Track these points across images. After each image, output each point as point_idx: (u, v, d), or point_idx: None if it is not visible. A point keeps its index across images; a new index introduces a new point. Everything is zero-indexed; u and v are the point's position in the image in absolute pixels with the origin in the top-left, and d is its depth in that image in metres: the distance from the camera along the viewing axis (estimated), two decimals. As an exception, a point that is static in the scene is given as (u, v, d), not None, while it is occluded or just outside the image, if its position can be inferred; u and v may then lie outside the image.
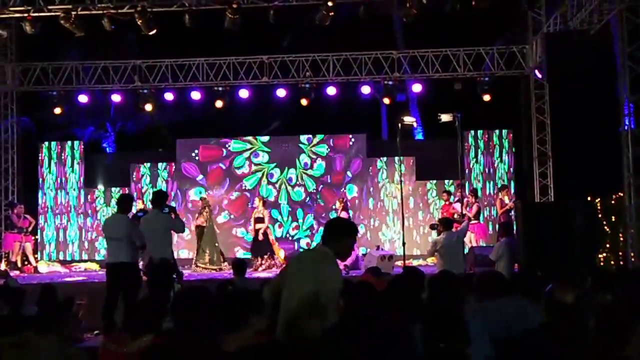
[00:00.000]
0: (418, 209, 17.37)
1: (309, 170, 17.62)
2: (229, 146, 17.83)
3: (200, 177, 17.75)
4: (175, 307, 3.82)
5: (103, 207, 17.68)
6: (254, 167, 17.72)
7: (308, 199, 17.58)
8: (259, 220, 15.53)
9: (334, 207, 16.56)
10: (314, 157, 17.64)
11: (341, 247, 4.95)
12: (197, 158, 17.82)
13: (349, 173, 17.59)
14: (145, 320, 5.09)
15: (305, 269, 4.85)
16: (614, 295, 5.30)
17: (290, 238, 17.50)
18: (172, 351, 3.56)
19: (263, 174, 17.66)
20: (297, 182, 17.60)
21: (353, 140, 17.82)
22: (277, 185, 17.66)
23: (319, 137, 17.76)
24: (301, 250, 15.60)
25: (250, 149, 17.76)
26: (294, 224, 17.59)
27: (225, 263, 15.16)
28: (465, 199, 14.94)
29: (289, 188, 17.60)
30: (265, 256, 15.39)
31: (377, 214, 17.51)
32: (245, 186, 17.61)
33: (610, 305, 4.18)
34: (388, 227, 17.39)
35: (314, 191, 17.58)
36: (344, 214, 15.21)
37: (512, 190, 16.96)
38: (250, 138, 17.87)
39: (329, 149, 17.65)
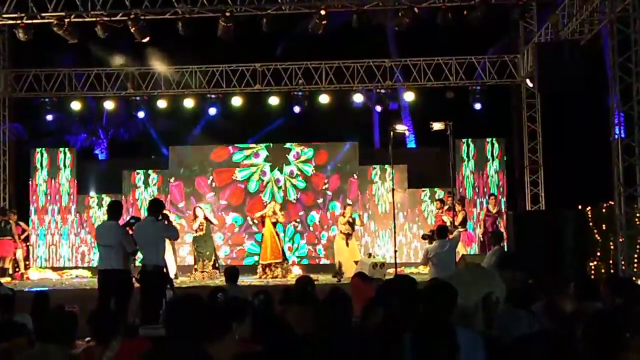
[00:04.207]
0: (410, 217, 17.38)
1: (293, 180, 17.59)
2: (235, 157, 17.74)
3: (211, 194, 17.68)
4: (168, 315, 3.83)
5: (95, 213, 17.63)
6: (250, 164, 17.64)
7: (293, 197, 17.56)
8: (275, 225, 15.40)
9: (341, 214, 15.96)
10: (298, 173, 17.59)
11: None
12: (213, 184, 17.62)
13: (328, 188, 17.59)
14: (107, 328, 5.17)
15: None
16: (603, 303, 5.33)
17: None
18: (165, 359, 3.57)
19: (257, 170, 17.63)
20: (282, 186, 17.57)
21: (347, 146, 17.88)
22: (264, 183, 17.56)
23: (307, 155, 17.65)
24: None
25: (253, 148, 17.77)
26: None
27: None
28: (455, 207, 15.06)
29: (275, 189, 17.56)
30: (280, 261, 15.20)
31: (368, 221, 17.50)
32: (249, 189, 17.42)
33: (600, 314, 4.21)
34: (380, 234, 17.39)
35: (295, 200, 17.52)
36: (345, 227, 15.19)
37: (504, 199, 17.03)
38: (253, 145, 17.84)
39: (314, 170, 17.54)
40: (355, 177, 17.48)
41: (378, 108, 17.42)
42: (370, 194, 17.52)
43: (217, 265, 15.12)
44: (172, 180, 17.66)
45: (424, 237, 12.95)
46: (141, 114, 17.49)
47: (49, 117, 17.64)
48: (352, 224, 15.22)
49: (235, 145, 17.78)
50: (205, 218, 15.40)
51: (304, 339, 4.68)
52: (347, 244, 15.04)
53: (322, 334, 4.60)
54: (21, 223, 16.51)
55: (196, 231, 15.13)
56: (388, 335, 4.46)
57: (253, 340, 4.59)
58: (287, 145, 17.68)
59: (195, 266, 15.08)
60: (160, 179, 17.71)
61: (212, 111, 17.25)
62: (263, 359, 4.41)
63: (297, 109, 16.95)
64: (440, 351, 3.57)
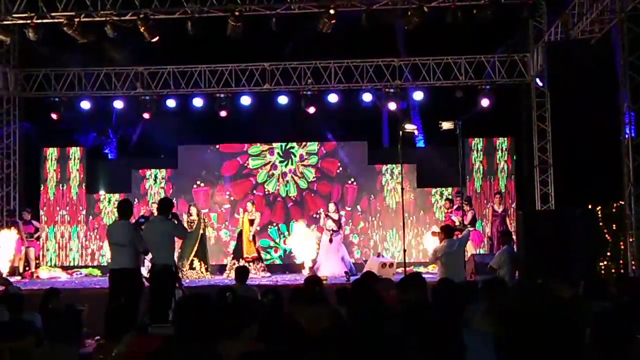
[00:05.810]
0: (419, 216, 17.36)
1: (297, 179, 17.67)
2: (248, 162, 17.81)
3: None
4: (177, 314, 3.84)
5: (105, 213, 17.68)
6: (264, 162, 17.80)
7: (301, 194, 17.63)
8: (253, 222, 15.48)
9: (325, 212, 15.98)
10: (300, 174, 17.68)
11: None
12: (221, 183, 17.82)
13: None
14: (119, 325, 5.19)
15: None
16: (612, 303, 5.30)
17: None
18: (174, 357, 3.58)
19: (270, 166, 17.71)
20: (289, 180, 17.64)
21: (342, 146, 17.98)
22: (275, 176, 17.66)
23: (312, 159, 17.72)
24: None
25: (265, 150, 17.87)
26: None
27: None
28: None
29: (281, 181, 17.60)
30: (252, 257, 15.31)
31: (378, 221, 17.48)
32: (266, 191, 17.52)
33: (608, 312, 4.18)
34: (389, 234, 17.37)
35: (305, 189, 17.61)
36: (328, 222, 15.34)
37: (514, 198, 17.00)
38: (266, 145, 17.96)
39: (315, 176, 17.63)
40: (354, 182, 17.50)
41: (390, 106, 17.37)
42: (379, 193, 17.52)
43: (192, 266, 15.11)
44: (181, 179, 17.73)
45: (433, 234, 12.93)
46: (147, 115, 17.48)
47: (54, 116, 17.63)
48: (336, 221, 15.35)
49: (247, 144, 17.84)
50: (198, 216, 15.43)
51: (314, 339, 4.67)
52: (331, 241, 15.20)
53: (333, 333, 4.59)
54: (34, 222, 16.62)
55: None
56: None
57: (262, 340, 4.59)
58: (295, 144, 17.74)
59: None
60: (168, 177, 17.80)
61: (222, 111, 17.22)
62: (272, 358, 4.41)
63: (312, 109, 16.95)
64: (447, 352, 3.56)
